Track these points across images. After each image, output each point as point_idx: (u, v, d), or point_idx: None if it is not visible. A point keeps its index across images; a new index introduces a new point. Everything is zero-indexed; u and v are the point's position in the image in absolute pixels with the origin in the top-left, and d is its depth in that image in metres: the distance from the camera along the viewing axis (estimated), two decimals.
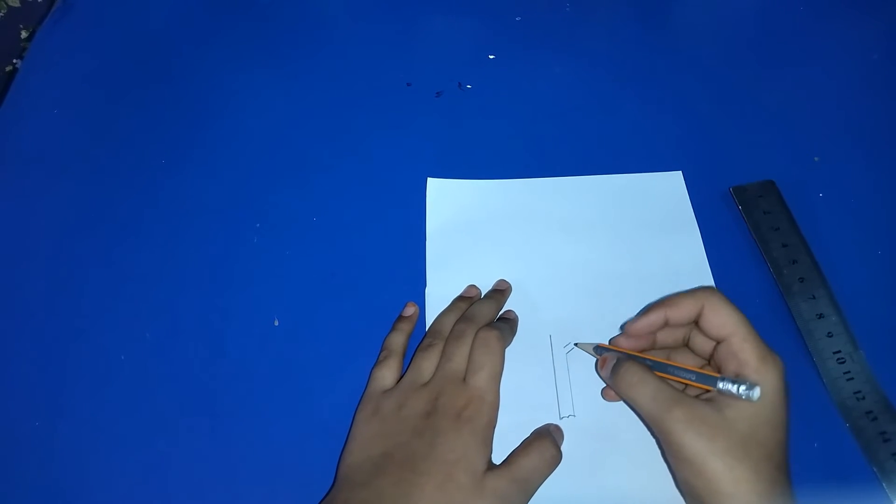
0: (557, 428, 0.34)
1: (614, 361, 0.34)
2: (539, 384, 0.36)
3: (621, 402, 0.35)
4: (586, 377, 0.36)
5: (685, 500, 0.32)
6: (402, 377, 0.35)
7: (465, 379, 0.33)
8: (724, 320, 0.31)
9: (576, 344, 0.37)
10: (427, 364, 0.35)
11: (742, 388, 0.29)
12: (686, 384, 0.32)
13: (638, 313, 0.36)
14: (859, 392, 0.35)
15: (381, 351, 0.37)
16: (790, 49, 0.51)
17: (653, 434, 0.34)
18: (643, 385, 0.31)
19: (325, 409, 0.36)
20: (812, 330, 0.37)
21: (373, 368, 0.36)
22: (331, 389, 0.36)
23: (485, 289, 0.40)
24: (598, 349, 0.36)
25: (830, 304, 0.38)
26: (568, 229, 0.42)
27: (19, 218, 0.43)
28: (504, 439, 0.33)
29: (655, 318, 0.33)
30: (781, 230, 0.41)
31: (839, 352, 0.36)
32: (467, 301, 0.39)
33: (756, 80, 0.49)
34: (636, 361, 0.33)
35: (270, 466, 0.35)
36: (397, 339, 0.37)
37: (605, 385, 0.36)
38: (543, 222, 0.42)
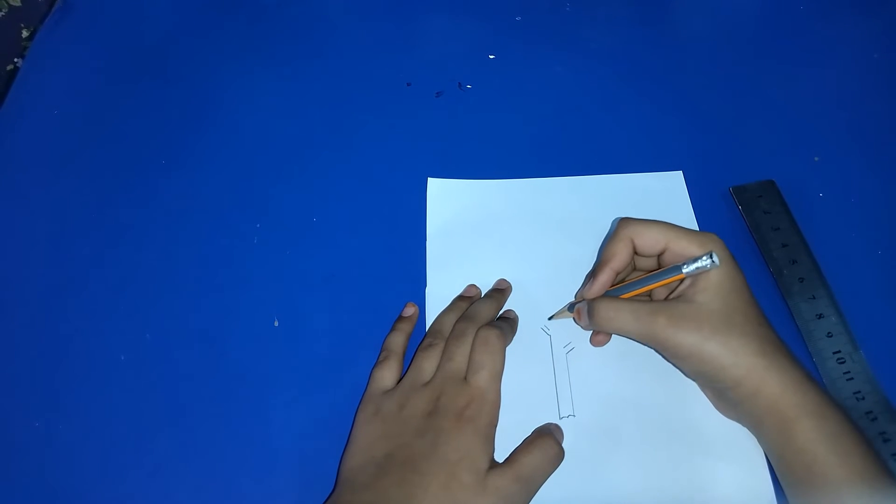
0: (557, 427, 0.35)
1: (587, 306, 0.35)
2: (539, 384, 0.36)
3: (622, 402, 0.35)
4: (586, 377, 0.36)
5: (699, 386, 0.35)
6: (402, 377, 0.35)
7: (466, 378, 0.33)
8: (654, 236, 0.34)
9: (550, 318, 0.38)
10: (428, 364, 0.35)
11: (703, 261, 0.32)
12: (652, 289, 0.35)
13: (585, 280, 0.38)
14: (859, 392, 0.35)
15: (381, 351, 0.37)
16: (790, 49, 0.51)
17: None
18: (620, 312, 0.33)
19: (325, 409, 0.36)
20: (812, 330, 0.37)
21: (373, 369, 0.36)
22: (331, 390, 0.36)
23: (485, 289, 0.40)
24: (571, 307, 0.37)
25: (830, 305, 0.38)
26: (568, 229, 0.42)
27: (19, 217, 0.43)
28: (505, 439, 0.33)
29: (606, 278, 0.35)
30: (781, 230, 0.41)
31: (839, 352, 0.36)
32: (467, 300, 0.39)
33: (756, 80, 0.49)
34: (605, 297, 0.35)
35: (271, 467, 0.35)
36: (397, 340, 0.37)
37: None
38: (543, 222, 0.42)
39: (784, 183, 0.42)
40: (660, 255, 0.35)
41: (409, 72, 0.50)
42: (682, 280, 0.33)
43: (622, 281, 0.37)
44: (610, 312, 0.34)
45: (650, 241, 0.34)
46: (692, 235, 0.34)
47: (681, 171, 0.44)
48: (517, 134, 0.47)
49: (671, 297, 0.34)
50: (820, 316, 0.38)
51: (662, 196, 0.43)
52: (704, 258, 0.32)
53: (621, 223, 0.35)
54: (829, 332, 0.37)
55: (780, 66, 0.50)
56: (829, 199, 0.43)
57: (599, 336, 0.37)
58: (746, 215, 0.42)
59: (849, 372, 0.36)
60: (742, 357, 0.31)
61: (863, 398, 0.35)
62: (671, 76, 0.49)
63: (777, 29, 0.52)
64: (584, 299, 0.36)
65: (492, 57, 0.51)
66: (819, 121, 0.47)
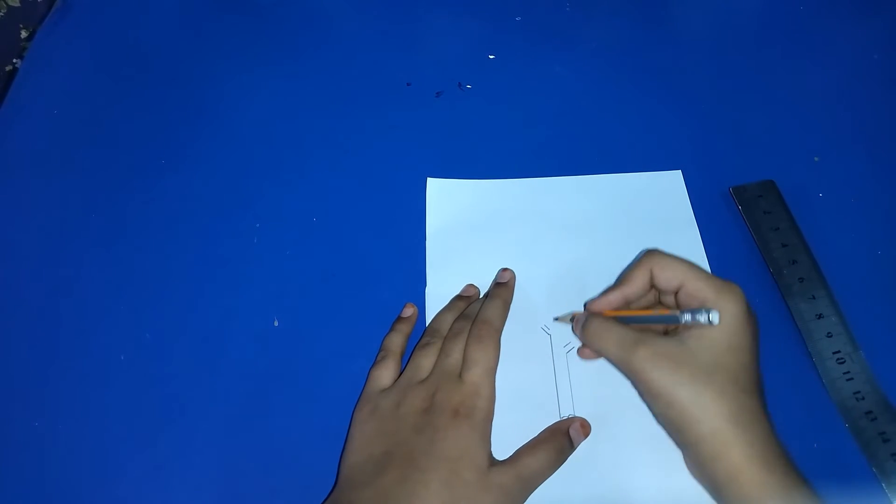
0: (584, 424, 0.34)
1: (584, 319, 0.35)
2: (539, 384, 0.36)
3: (622, 402, 0.35)
4: (586, 377, 0.36)
5: (666, 431, 0.33)
6: (399, 376, 0.35)
7: (460, 375, 0.33)
8: (672, 272, 0.33)
9: (555, 319, 0.38)
10: (425, 362, 0.35)
11: (700, 315, 0.31)
12: (650, 325, 0.34)
13: (600, 294, 0.37)
14: (859, 392, 0.35)
15: (379, 351, 0.37)
16: (790, 49, 0.51)
17: (656, 422, 0.34)
18: (608, 333, 0.33)
19: (325, 409, 0.36)
20: (812, 330, 0.37)
21: (371, 368, 0.36)
22: (331, 389, 0.36)
23: (484, 289, 0.40)
24: (574, 316, 0.37)
25: (830, 305, 0.38)
26: (568, 229, 0.42)
27: (19, 217, 0.43)
28: (505, 438, 0.33)
29: (614, 298, 0.35)
30: (781, 230, 0.41)
31: (839, 352, 0.36)
32: (465, 300, 0.39)
33: (756, 80, 0.49)
34: (601, 315, 0.35)
35: (270, 467, 0.35)
36: (396, 340, 0.37)
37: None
38: (543, 222, 0.42)
39: (784, 183, 0.42)
40: (677, 293, 0.34)
41: (409, 72, 0.50)
42: None
43: (645, 307, 0.36)
44: (599, 330, 0.34)
45: (667, 276, 0.33)
46: (710, 280, 0.32)
47: (680, 171, 0.44)
48: (517, 134, 0.47)
49: (669, 331, 0.34)
50: (820, 316, 0.38)
51: (662, 196, 0.43)
52: (703, 314, 0.31)
53: (647, 253, 0.35)
54: (829, 333, 0.37)
55: (780, 66, 0.50)
56: (829, 199, 0.43)
57: (586, 350, 0.36)
58: (746, 215, 0.42)
59: (849, 372, 0.36)
60: (711, 416, 0.29)
61: (863, 398, 0.35)
62: (671, 76, 0.49)
63: (777, 29, 0.52)
64: (585, 310, 0.36)
65: (492, 57, 0.51)
66: (819, 121, 0.47)
